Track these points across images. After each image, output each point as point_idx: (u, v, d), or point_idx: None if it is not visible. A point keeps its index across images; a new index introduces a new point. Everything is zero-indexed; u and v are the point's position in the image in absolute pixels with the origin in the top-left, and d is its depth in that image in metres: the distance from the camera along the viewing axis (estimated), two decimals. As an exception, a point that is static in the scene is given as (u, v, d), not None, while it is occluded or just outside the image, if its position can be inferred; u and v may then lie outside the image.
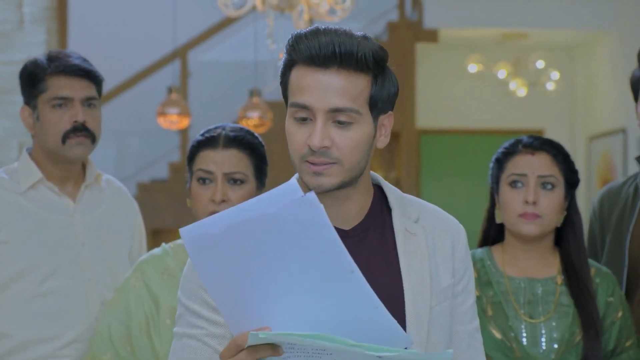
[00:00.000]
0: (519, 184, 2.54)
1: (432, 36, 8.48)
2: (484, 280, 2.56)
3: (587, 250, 2.73)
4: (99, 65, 2.87)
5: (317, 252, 1.47)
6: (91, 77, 2.73)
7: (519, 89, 9.33)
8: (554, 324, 2.51)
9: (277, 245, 1.47)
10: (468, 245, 1.85)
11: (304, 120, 1.66)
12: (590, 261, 2.62)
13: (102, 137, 2.82)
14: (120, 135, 8.96)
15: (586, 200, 8.82)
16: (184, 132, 7.95)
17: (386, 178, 8.40)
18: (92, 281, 2.69)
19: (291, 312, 1.51)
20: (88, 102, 2.72)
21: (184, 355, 1.69)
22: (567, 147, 2.64)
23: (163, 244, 2.53)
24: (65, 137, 2.67)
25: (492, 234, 2.66)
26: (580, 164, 8.77)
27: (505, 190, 2.57)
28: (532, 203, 2.51)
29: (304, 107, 1.65)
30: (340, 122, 1.65)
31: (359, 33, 1.68)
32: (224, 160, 2.39)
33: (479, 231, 2.70)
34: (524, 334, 2.50)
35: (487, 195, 2.70)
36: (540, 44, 9.32)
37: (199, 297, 1.69)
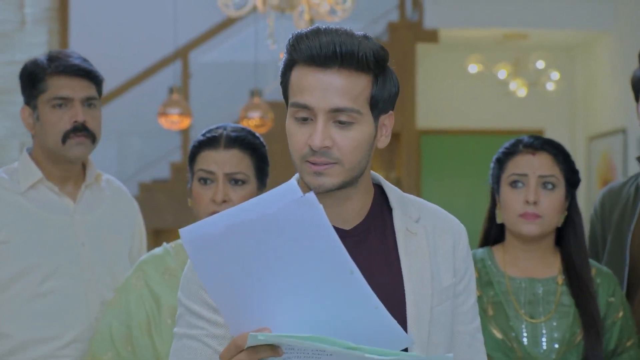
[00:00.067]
0: (520, 184, 2.54)
1: (432, 36, 8.49)
2: (484, 280, 2.56)
3: (588, 250, 2.73)
4: (100, 66, 2.87)
5: (317, 253, 1.46)
6: (91, 77, 2.73)
7: (519, 89, 9.34)
8: (554, 324, 2.51)
9: (277, 246, 1.47)
10: (469, 245, 1.84)
11: (304, 120, 1.66)
12: (591, 261, 2.62)
13: (104, 137, 2.81)
14: (122, 136, 8.96)
15: (586, 200, 8.82)
16: (185, 132, 7.96)
17: (386, 178, 8.40)
18: (92, 281, 2.69)
19: (291, 312, 1.50)
20: (88, 102, 2.71)
21: (184, 356, 1.69)
22: (567, 147, 2.64)
23: (164, 244, 2.53)
24: (65, 137, 2.67)
25: (493, 234, 2.66)
26: (580, 164, 8.76)
27: (505, 190, 2.57)
28: (532, 203, 2.51)
29: (304, 107, 1.65)
30: (341, 122, 1.65)
31: (359, 33, 1.67)
32: (225, 161, 2.39)
33: (480, 231, 2.69)
34: (525, 334, 2.50)
35: (487, 196, 2.70)
36: (540, 44, 9.32)
37: (199, 298, 1.68)
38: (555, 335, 2.50)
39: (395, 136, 8.30)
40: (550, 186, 2.54)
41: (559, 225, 2.58)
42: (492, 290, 2.55)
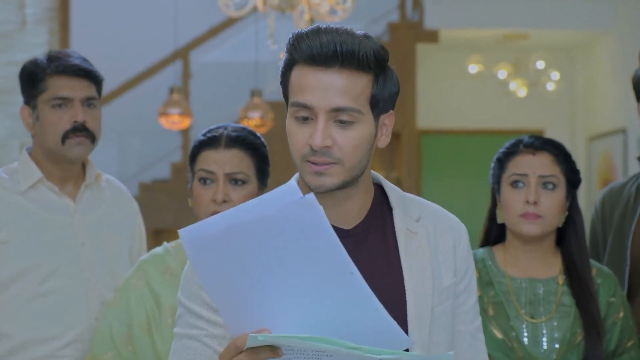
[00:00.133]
0: (520, 184, 2.54)
1: (432, 37, 8.49)
2: (485, 280, 2.56)
3: (589, 251, 2.72)
4: (100, 66, 2.87)
5: (317, 254, 1.46)
6: (91, 77, 2.72)
7: (519, 89, 9.34)
8: (555, 323, 2.50)
9: (277, 247, 1.47)
10: (470, 244, 1.84)
11: (305, 119, 1.65)
12: (592, 261, 2.62)
13: (104, 137, 2.81)
14: (122, 136, 8.96)
15: (586, 200, 8.82)
16: (185, 133, 7.96)
17: (387, 178, 8.39)
18: (92, 281, 2.68)
19: (291, 313, 1.50)
20: (88, 102, 2.71)
21: (184, 356, 1.69)
22: (568, 147, 2.63)
23: (164, 243, 2.52)
24: (65, 137, 2.66)
25: (494, 234, 2.66)
26: (580, 164, 8.77)
27: (506, 190, 2.56)
28: (533, 203, 2.51)
29: (305, 107, 1.64)
30: (341, 122, 1.64)
31: (360, 32, 1.67)
32: (226, 161, 2.38)
33: (480, 231, 2.69)
34: (525, 334, 2.49)
35: (487, 196, 2.69)
36: (540, 45, 9.32)
37: (199, 298, 1.68)
38: (556, 335, 2.49)
39: (396, 136, 8.31)
40: (550, 186, 2.53)
41: (560, 225, 2.58)
42: (492, 290, 2.55)
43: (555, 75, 9.20)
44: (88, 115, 2.69)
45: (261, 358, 1.49)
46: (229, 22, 8.03)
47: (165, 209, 7.79)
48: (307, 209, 1.43)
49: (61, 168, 2.73)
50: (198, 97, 8.28)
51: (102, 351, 2.46)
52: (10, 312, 2.61)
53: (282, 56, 1.72)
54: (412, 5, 8.68)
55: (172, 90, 6.23)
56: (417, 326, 1.69)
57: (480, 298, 2.51)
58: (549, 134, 9.42)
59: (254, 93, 6.26)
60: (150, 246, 2.69)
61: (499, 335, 2.49)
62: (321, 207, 1.44)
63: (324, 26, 1.65)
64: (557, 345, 2.49)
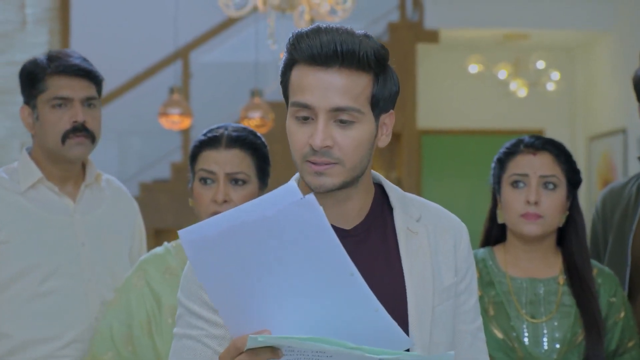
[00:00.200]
0: (521, 184, 2.54)
1: (432, 37, 8.49)
2: (485, 281, 2.56)
3: (590, 251, 2.72)
4: (101, 66, 2.87)
5: (317, 255, 1.46)
6: (91, 77, 2.71)
7: (519, 89, 9.34)
8: (556, 323, 2.50)
9: (277, 248, 1.47)
10: (470, 244, 1.84)
11: (305, 119, 1.65)
12: (593, 261, 2.62)
13: (104, 138, 2.80)
14: (122, 136, 8.97)
15: (586, 200, 8.82)
16: (185, 133, 7.96)
17: (387, 178, 8.36)
18: (92, 281, 2.68)
19: (291, 314, 1.50)
20: (88, 102, 2.70)
21: (184, 356, 1.69)
22: (568, 147, 2.63)
23: (165, 243, 2.52)
24: (65, 137, 2.66)
25: (494, 234, 2.66)
26: (580, 164, 8.76)
27: (507, 190, 2.56)
28: (533, 203, 2.50)
29: (305, 107, 1.64)
30: (342, 122, 1.64)
31: (360, 32, 1.67)
32: (226, 161, 2.38)
33: (480, 231, 2.69)
34: (526, 334, 2.49)
35: (487, 196, 2.69)
36: (540, 45, 9.33)
37: (198, 298, 1.68)
38: (557, 335, 2.49)
39: (396, 136, 8.31)
40: (551, 186, 2.53)
41: (561, 225, 2.57)
42: (493, 290, 2.55)
43: (556, 75, 9.20)
44: (88, 115, 2.69)
45: (261, 359, 1.49)
46: (229, 22, 8.03)
47: (166, 209, 7.80)
48: (307, 210, 1.43)
49: (61, 168, 2.73)
50: (198, 97, 8.28)
51: (102, 351, 2.45)
52: (10, 312, 2.61)
53: (282, 56, 1.71)
54: (412, 5, 8.68)
55: (172, 90, 6.24)
56: (418, 326, 1.69)
57: (481, 298, 2.51)
58: (549, 134, 9.42)
59: (254, 93, 6.26)
60: (151, 246, 2.69)
61: (499, 335, 2.49)
62: (321, 208, 1.43)
63: (324, 26, 1.65)
64: (557, 345, 2.48)
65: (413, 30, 8.45)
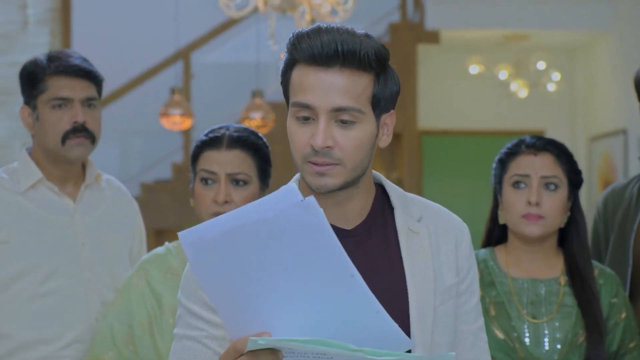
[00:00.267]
0: (522, 185, 2.53)
1: (433, 37, 8.49)
2: (487, 281, 2.55)
3: (591, 251, 2.71)
4: (102, 67, 2.87)
5: (317, 256, 1.46)
6: (91, 77, 2.71)
7: (520, 90, 9.35)
8: (557, 324, 2.50)
9: (277, 250, 1.46)
10: (472, 244, 1.83)
11: (306, 119, 1.65)
12: (594, 262, 2.61)
13: (106, 138, 2.80)
14: (124, 136, 8.97)
15: (587, 200, 8.82)
16: (186, 133, 7.97)
17: (388, 178, 8.35)
18: (92, 281, 2.68)
19: (291, 316, 1.50)
20: (88, 102, 2.70)
21: (184, 357, 1.68)
22: (568, 148, 2.63)
23: (166, 243, 2.52)
24: (65, 138, 2.66)
25: (496, 234, 2.65)
26: (581, 165, 8.78)
27: (508, 191, 2.55)
28: (535, 204, 2.50)
29: (306, 107, 1.64)
30: (343, 122, 1.64)
31: (360, 31, 1.66)
32: (227, 161, 2.38)
33: (481, 231, 2.68)
34: (527, 334, 2.49)
35: (488, 196, 2.68)
36: (541, 45, 9.33)
37: (199, 298, 1.67)
38: (558, 335, 2.49)
39: (397, 137, 8.31)
40: (552, 187, 2.52)
41: (562, 225, 2.57)
42: (494, 290, 2.54)
43: (556, 75, 9.20)
44: (88, 116, 2.69)
45: (261, 361, 1.48)
46: (230, 23, 8.03)
47: (167, 209, 7.80)
48: (308, 212, 1.43)
49: (61, 168, 2.73)
50: (199, 98, 8.28)
51: (103, 351, 2.45)
52: (11, 312, 2.60)
53: (283, 56, 1.70)
54: (413, 6, 8.69)
55: (173, 91, 6.23)
56: (419, 326, 1.68)
57: (482, 298, 2.50)
58: (550, 135, 9.41)
59: (255, 94, 6.26)
60: (152, 247, 2.69)
61: (500, 335, 2.49)
62: (322, 210, 1.43)
63: (325, 25, 1.64)
64: (558, 346, 2.48)
65: (414, 31, 8.45)
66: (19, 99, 2.77)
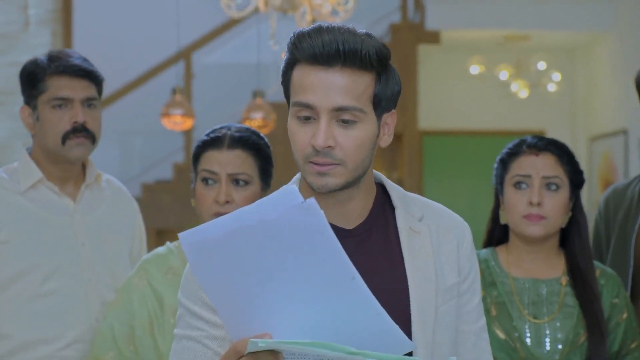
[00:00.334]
0: (523, 185, 2.53)
1: (434, 38, 8.50)
2: (488, 281, 2.55)
3: (592, 251, 2.70)
4: (103, 67, 2.87)
5: (318, 258, 1.45)
6: (91, 77, 2.70)
7: (520, 90, 9.35)
8: (558, 324, 2.50)
9: (277, 251, 1.46)
10: (473, 244, 1.82)
11: (307, 119, 1.64)
12: (595, 262, 2.61)
13: (107, 138, 2.80)
14: (125, 136, 8.98)
15: (587, 201, 8.82)
16: (187, 133, 7.97)
17: (388, 179, 8.36)
18: (92, 281, 2.68)
19: (291, 317, 1.49)
20: (88, 102, 2.69)
21: (184, 357, 1.68)
22: (569, 147, 2.62)
23: (167, 243, 2.52)
24: (65, 138, 2.65)
25: (497, 234, 2.65)
26: (581, 165, 8.78)
27: (509, 191, 2.55)
28: (536, 204, 2.50)
29: (307, 106, 1.63)
30: (344, 121, 1.63)
31: (361, 31, 1.65)
32: (229, 161, 2.37)
33: (481, 232, 2.67)
34: (528, 334, 2.49)
35: (488, 196, 2.68)
36: (541, 46, 9.33)
37: (199, 299, 1.67)
38: (559, 335, 2.48)
39: (397, 137, 8.32)
40: (554, 187, 2.52)
41: (563, 226, 2.56)
42: (495, 290, 2.54)
43: (556, 76, 9.20)
44: (88, 116, 2.68)
45: (261, 363, 1.48)
46: (231, 23, 8.04)
47: (168, 210, 7.81)
48: (308, 214, 1.43)
49: (61, 168, 2.72)
50: (200, 98, 8.29)
51: (104, 351, 2.45)
52: (11, 312, 2.60)
53: (284, 56, 1.70)
54: (414, 7, 8.69)
55: (174, 91, 6.24)
56: (421, 326, 1.68)
57: (483, 298, 2.50)
58: (550, 135, 9.39)
59: (256, 94, 6.26)
60: (153, 247, 2.69)
61: (501, 335, 2.48)
62: (322, 212, 1.43)
63: (326, 25, 1.63)
64: (560, 346, 2.48)
65: (414, 31, 8.45)
66: (20, 99, 2.77)
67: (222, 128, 2.44)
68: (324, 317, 1.49)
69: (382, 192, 1.79)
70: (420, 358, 1.62)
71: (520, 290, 2.54)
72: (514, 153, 2.58)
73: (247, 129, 2.45)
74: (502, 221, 2.60)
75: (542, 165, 2.53)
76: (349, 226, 1.72)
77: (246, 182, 2.39)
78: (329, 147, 1.63)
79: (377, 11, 8.76)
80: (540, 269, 2.57)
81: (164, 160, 8.65)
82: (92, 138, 2.70)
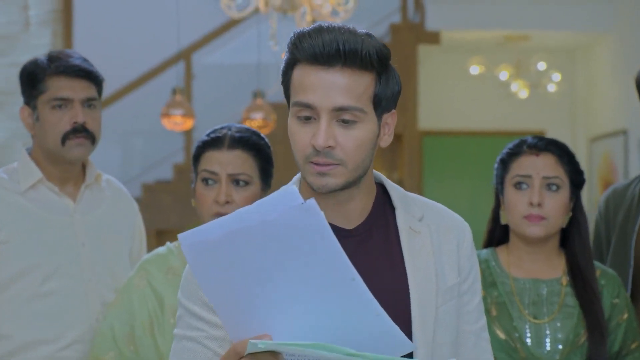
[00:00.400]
0: (524, 186, 2.52)
1: (434, 38, 8.50)
2: (488, 281, 2.55)
3: (593, 251, 2.70)
4: (103, 67, 2.87)
5: (318, 260, 1.45)
6: (91, 77, 2.70)
7: (520, 90, 9.35)
8: (558, 324, 2.49)
9: (277, 252, 1.46)
10: (474, 244, 1.82)
11: (307, 119, 1.64)
12: (596, 263, 2.61)
13: (107, 139, 2.80)
14: (125, 137, 8.98)
15: (587, 201, 8.82)
16: (188, 134, 7.97)
17: (388, 179, 8.35)
18: (92, 281, 2.67)
19: (291, 318, 1.49)
20: (88, 102, 2.69)
21: (184, 358, 1.68)
22: (570, 148, 2.62)
23: (167, 243, 2.52)
24: (64, 138, 2.65)
25: (497, 234, 2.65)
26: (581, 166, 8.78)
27: (509, 191, 2.55)
28: (537, 205, 2.49)
29: (307, 106, 1.63)
30: (344, 121, 1.63)
31: (362, 30, 1.65)
32: (229, 161, 2.37)
33: (481, 232, 2.67)
34: (529, 335, 2.49)
35: (488, 197, 2.68)
36: (541, 46, 9.34)
37: (198, 299, 1.67)
38: (559, 335, 2.48)
39: (397, 137, 8.32)
40: (554, 187, 2.52)
41: (564, 226, 2.56)
42: (495, 290, 2.54)
43: (556, 76, 9.21)
44: (88, 116, 2.68)
45: (261, 364, 1.48)
46: (231, 24, 8.04)
47: (168, 210, 7.81)
48: (308, 215, 1.42)
49: (61, 169, 2.72)
50: (201, 99, 8.29)
51: (104, 351, 2.44)
52: (11, 312, 2.60)
53: (284, 56, 1.70)
54: (414, 7, 8.69)
55: (174, 92, 6.23)
56: (421, 326, 1.67)
57: (484, 299, 2.49)
58: (550, 135, 9.35)
59: (257, 94, 6.26)
60: (153, 247, 2.69)
61: (502, 335, 2.48)
62: (322, 213, 1.42)
63: (326, 25, 1.63)
64: (560, 346, 2.48)
65: (414, 32, 8.45)
66: (20, 100, 2.76)
67: (222, 128, 2.44)
68: (323, 318, 1.48)
69: (382, 192, 1.79)
70: (419, 359, 1.61)
71: (520, 291, 2.54)
72: (514, 153, 2.58)
73: (248, 129, 2.45)
74: (503, 221, 2.60)
75: (543, 166, 2.53)
76: (349, 226, 1.72)
77: (246, 183, 2.39)
78: (330, 147, 1.62)
79: (377, 11, 8.76)
80: (541, 269, 2.57)
81: (164, 160, 8.65)
82: (92, 138, 2.70)
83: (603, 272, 2.59)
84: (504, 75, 9.20)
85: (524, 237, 2.54)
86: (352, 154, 1.64)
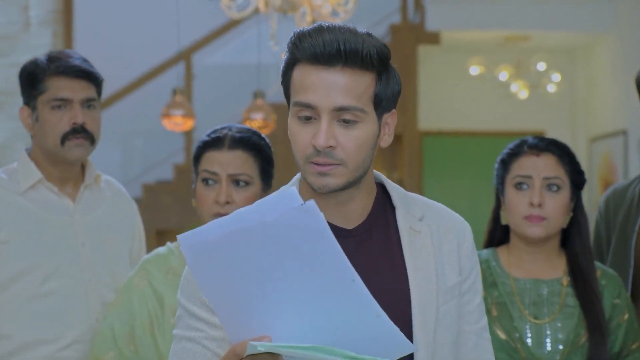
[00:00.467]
0: (524, 186, 2.52)
1: (434, 38, 8.50)
2: (489, 281, 2.55)
3: (593, 252, 2.70)
4: (103, 68, 2.86)
5: (318, 261, 1.45)
6: (91, 78, 2.70)
7: (520, 90, 9.35)
8: (559, 324, 2.49)
9: (277, 253, 1.45)
10: (474, 244, 1.82)
11: (307, 119, 1.64)
12: (596, 263, 2.60)
13: (107, 139, 2.80)
14: (125, 137, 8.98)
15: (587, 201, 8.81)
16: (188, 134, 7.97)
17: (388, 179, 8.34)
18: (92, 281, 2.67)
19: (291, 320, 1.49)
20: (87, 103, 2.69)
21: (183, 358, 1.67)
22: (570, 148, 2.61)
23: (168, 243, 2.52)
24: (64, 139, 2.65)
25: (498, 235, 2.64)
26: (581, 166, 8.79)
27: (510, 191, 2.55)
28: (537, 205, 2.49)
29: (308, 106, 1.63)
30: (345, 121, 1.63)
31: (362, 30, 1.65)
32: (229, 162, 2.37)
33: (482, 232, 2.67)
34: (529, 335, 2.48)
35: (488, 197, 2.68)
36: (541, 46, 9.34)
37: (198, 299, 1.66)
38: (560, 336, 2.48)
39: (398, 138, 8.32)
40: (555, 188, 2.52)
41: (564, 226, 2.56)
42: (496, 291, 2.54)
43: (556, 76, 9.21)
44: (87, 117, 2.68)
45: (261, 366, 1.47)
46: (232, 24, 8.04)
47: (169, 210, 7.81)
48: (308, 216, 1.42)
49: (60, 169, 2.72)
50: (201, 99, 8.29)
51: (104, 351, 2.44)
52: (11, 312, 2.60)
53: (284, 55, 1.69)
54: (414, 7, 8.69)
55: (175, 92, 6.24)
56: (422, 326, 1.67)
57: (484, 299, 2.49)
58: (550, 136, 9.31)
59: (257, 95, 6.27)
60: (154, 247, 2.69)
61: (502, 336, 2.48)
62: (322, 214, 1.42)
63: (327, 24, 1.63)
64: (560, 347, 2.47)
65: (414, 32, 8.45)
66: (20, 100, 2.76)
67: (222, 128, 2.44)
68: (323, 319, 1.48)
69: (383, 192, 1.79)
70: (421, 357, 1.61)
71: (521, 291, 2.54)
72: (514, 153, 2.57)
73: (248, 130, 2.45)
74: (503, 222, 2.59)
75: (543, 166, 2.52)
76: (349, 226, 1.72)
77: (247, 183, 2.39)
78: (330, 147, 1.62)
79: (377, 12, 8.76)
80: (541, 269, 2.57)
81: (165, 160, 8.65)
82: (91, 139, 2.69)
83: (604, 273, 2.59)
84: (503, 75, 9.20)
85: (525, 237, 2.54)
86: (353, 154, 1.64)
